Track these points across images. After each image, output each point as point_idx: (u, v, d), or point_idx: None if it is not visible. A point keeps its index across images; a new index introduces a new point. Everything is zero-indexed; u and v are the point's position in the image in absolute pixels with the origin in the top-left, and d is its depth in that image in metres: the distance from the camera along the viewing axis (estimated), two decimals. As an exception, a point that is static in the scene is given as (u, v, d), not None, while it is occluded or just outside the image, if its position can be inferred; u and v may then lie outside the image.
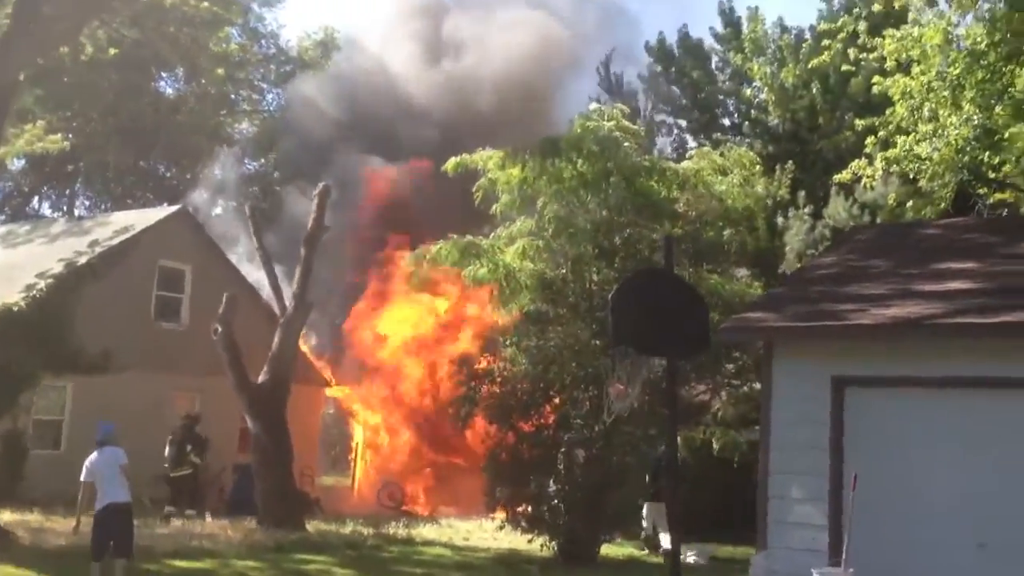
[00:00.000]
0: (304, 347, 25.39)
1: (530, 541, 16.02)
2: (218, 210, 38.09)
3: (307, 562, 14.50)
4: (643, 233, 16.14)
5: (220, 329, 17.90)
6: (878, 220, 20.29)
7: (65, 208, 42.34)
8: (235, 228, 31.72)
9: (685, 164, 17.30)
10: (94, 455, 11.24)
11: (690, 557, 15.40)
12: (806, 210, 21.80)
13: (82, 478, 11.15)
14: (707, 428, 18.67)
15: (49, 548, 13.78)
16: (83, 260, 23.10)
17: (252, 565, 13.89)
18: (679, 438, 13.41)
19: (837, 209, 21.45)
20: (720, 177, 16.76)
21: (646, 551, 16.74)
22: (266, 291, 22.02)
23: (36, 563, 12.53)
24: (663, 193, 16.24)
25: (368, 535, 17.45)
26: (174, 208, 26.04)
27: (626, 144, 16.28)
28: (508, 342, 16.38)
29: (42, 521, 16.28)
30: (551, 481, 15.41)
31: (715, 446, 17.85)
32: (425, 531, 18.92)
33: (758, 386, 13.79)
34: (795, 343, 10.91)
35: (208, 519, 18.19)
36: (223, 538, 15.79)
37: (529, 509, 15.75)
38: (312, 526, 17.99)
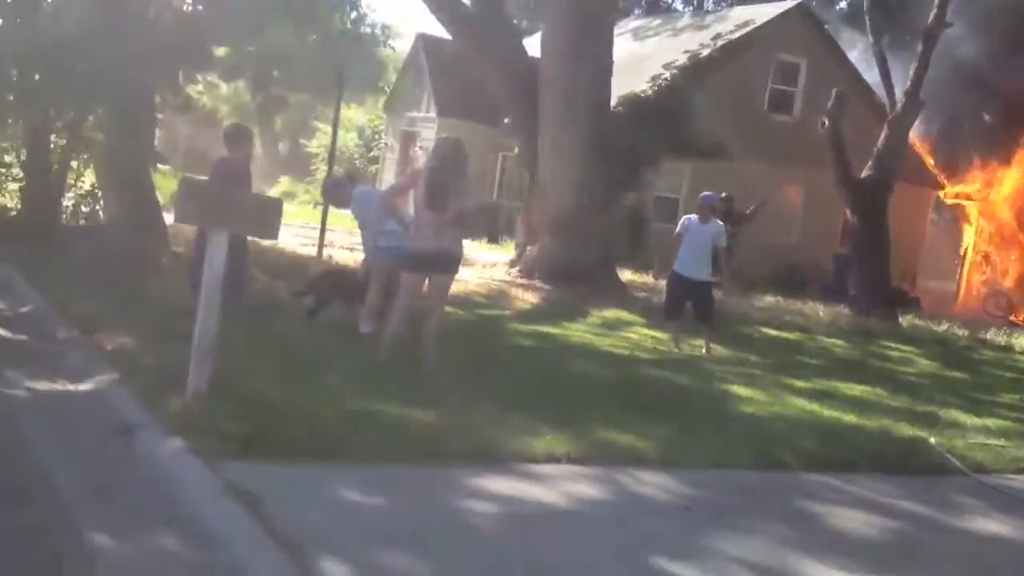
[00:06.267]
0: (919, 147, 24.58)
1: None
2: (842, 4, 37.20)
3: (891, 348, 14.67)
4: None
5: (827, 123, 18.04)
6: None
7: (695, 2, 44.14)
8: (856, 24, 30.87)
9: None
10: (695, 218, 11.56)
11: None
12: None
13: (677, 229, 11.60)
14: None
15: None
16: (705, 53, 24.47)
17: (836, 343, 14.39)
18: None
19: None
20: None
21: None
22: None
23: (642, 312, 14.16)
24: None
25: (962, 336, 16.97)
26: (794, 2, 26.09)
27: None
28: None
29: (653, 284, 18.27)
30: None
31: None
32: (1027, 341, 17.83)
33: None
34: None
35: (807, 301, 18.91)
36: (814, 317, 16.50)
37: None
38: (905, 320, 17.94)
